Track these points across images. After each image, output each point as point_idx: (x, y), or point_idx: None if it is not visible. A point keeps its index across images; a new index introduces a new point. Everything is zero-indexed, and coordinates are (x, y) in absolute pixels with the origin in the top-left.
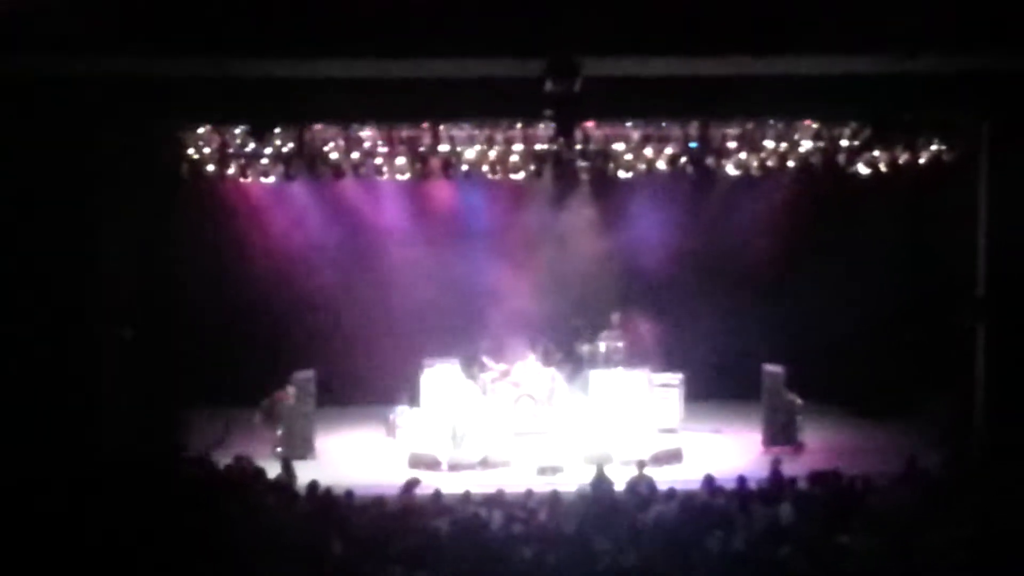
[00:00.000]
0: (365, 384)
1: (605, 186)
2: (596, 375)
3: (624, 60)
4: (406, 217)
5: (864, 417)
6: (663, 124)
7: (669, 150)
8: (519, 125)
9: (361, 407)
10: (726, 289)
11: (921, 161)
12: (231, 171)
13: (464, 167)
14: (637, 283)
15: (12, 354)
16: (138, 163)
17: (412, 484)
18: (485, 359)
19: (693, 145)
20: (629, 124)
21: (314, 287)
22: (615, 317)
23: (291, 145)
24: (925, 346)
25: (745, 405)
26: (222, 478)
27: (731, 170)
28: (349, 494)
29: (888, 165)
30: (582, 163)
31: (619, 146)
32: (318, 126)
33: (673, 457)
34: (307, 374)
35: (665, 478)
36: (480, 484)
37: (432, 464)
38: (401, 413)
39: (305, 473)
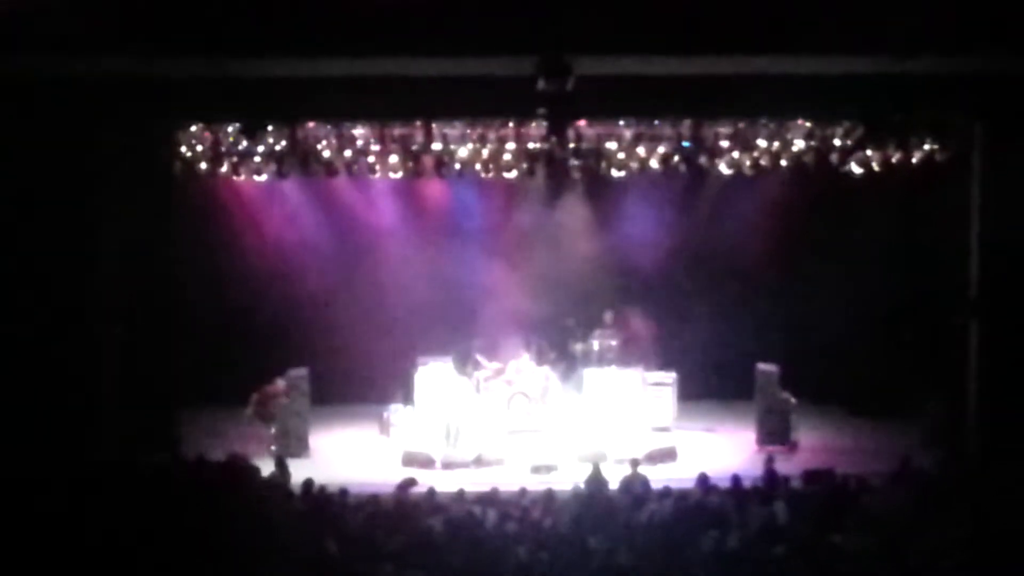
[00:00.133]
0: (359, 382)
1: (598, 185)
2: (590, 374)
3: (617, 59)
4: (399, 215)
5: (858, 416)
6: (656, 123)
7: (662, 149)
8: (512, 124)
9: (355, 405)
10: (719, 288)
11: (914, 161)
12: (224, 169)
13: (457, 165)
14: (630, 282)
15: (8, 353)
16: (134, 162)
17: (408, 483)
18: (479, 357)
19: (686, 144)
20: (622, 123)
21: (308, 285)
22: (608, 316)
23: (284, 143)
24: (919, 345)
25: (739, 404)
26: (217, 476)
27: (724, 169)
28: (343, 492)
29: (881, 165)
30: (575, 162)
31: (612, 145)
32: (311, 124)
33: (667, 456)
34: (301, 372)
35: (659, 477)
36: (474, 482)
37: (426, 462)
38: (395, 411)
39: (299, 471)
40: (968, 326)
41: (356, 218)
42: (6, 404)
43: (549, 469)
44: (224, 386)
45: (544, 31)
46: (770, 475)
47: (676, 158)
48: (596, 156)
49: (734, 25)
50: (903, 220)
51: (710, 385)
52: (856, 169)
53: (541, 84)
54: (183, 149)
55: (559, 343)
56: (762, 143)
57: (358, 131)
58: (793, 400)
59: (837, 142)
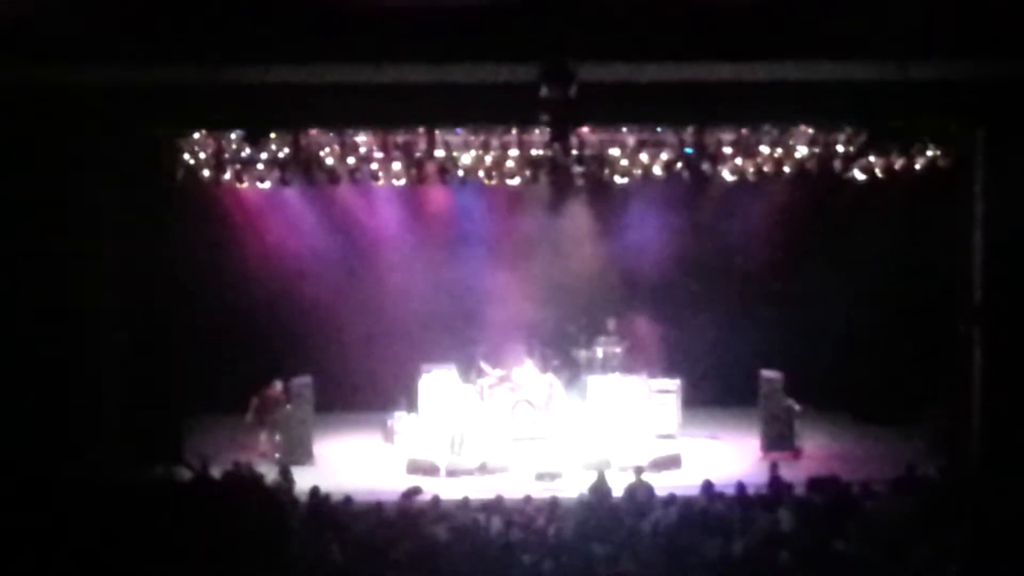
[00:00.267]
0: (363, 390)
1: (601, 192)
2: (594, 381)
3: (620, 65)
4: (402, 223)
5: (862, 423)
6: (659, 129)
7: (665, 155)
8: (515, 130)
9: (359, 413)
10: (723, 294)
11: (917, 167)
12: (227, 177)
13: (460, 172)
14: (634, 289)
15: (11, 359)
16: (137, 170)
17: (413, 491)
18: (483, 365)
19: (689, 150)
20: (625, 129)
21: (311, 293)
22: (612, 323)
23: (287, 150)
24: (923, 352)
25: (743, 411)
26: (221, 485)
27: (727, 176)
28: (347, 500)
29: (884, 171)
30: (578, 168)
31: (615, 151)
32: (314, 131)
33: (671, 463)
34: (305, 380)
35: (663, 484)
36: (478, 490)
37: (430, 470)
38: (399, 419)
39: (303, 479)
40: (972, 333)
41: (359, 225)
42: (8, 410)
43: (553, 476)
44: (228, 393)
45: (547, 38)
46: (774, 482)
47: (679, 164)
48: (599, 163)
49: (736, 32)
50: (906, 226)
51: (714, 392)
52: (859, 175)
53: (544, 91)
54: (186, 156)
55: (563, 350)
56: (765, 149)
57: (361, 138)
58: (797, 407)
59: (840, 148)
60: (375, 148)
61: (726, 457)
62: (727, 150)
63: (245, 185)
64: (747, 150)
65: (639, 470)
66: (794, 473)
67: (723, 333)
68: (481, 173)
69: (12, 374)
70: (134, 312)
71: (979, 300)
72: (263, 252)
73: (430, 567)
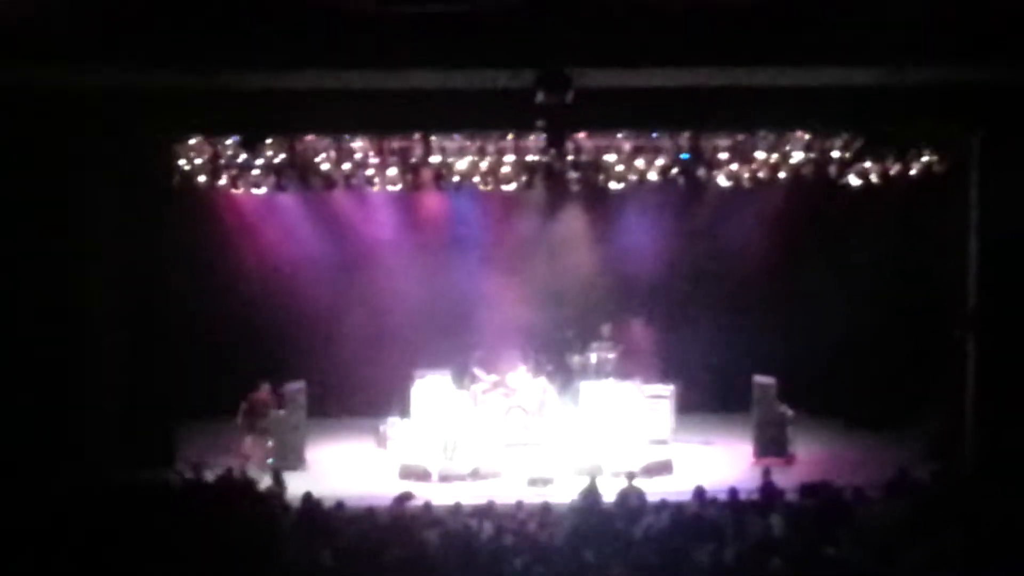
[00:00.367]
0: (356, 395)
1: (596, 197)
2: (587, 386)
3: (615, 71)
4: (397, 228)
5: (855, 428)
6: (654, 135)
7: (660, 161)
8: (511, 136)
9: (352, 418)
10: (717, 300)
11: (912, 173)
12: (222, 182)
13: (456, 178)
14: (628, 294)
15: (6, 363)
16: (132, 175)
17: (405, 496)
18: (476, 370)
19: (684, 156)
20: (620, 135)
21: (305, 298)
22: (606, 328)
23: (282, 156)
24: (916, 357)
25: (736, 417)
26: (213, 490)
27: (722, 181)
28: (340, 505)
29: (879, 177)
30: (573, 174)
31: (610, 157)
32: (309, 137)
33: (664, 469)
34: (298, 385)
35: (656, 490)
36: (471, 495)
37: (423, 475)
38: (392, 424)
39: (296, 484)
40: (966, 338)
41: (354, 231)
42: (3, 414)
43: (546, 482)
44: (222, 398)
45: (543, 43)
46: (767, 487)
47: (675, 170)
48: (595, 168)
49: (732, 37)
50: (901, 232)
51: (707, 398)
52: (854, 181)
53: (540, 96)
54: (182, 162)
55: (556, 355)
56: (760, 155)
57: (357, 143)
58: (790, 412)
59: (835, 154)
60: (371, 153)
61: (719, 463)
62: (723, 156)
63: (241, 190)
64: (743, 155)
65: (631, 476)
66: (787, 479)
67: (716, 339)
68: (477, 179)
69: (7, 375)
70: (129, 315)
71: (973, 305)
72: (258, 257)
73: (422, 572)
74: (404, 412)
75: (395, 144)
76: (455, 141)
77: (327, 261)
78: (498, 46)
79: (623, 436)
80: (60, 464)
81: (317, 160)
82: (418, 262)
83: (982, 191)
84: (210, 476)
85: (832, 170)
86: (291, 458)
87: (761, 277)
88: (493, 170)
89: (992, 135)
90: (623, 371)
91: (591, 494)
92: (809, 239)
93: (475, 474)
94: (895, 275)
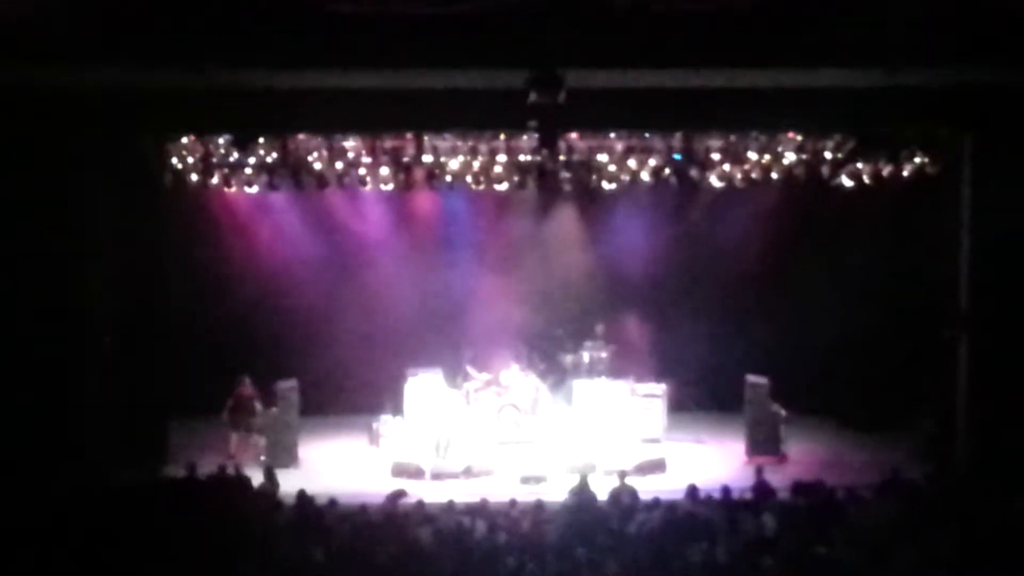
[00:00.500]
0: (349, 393)
1: (589, 197)
2: (579, 385)
3: (608, 72)
4: (390, 227)
5: (848, 428)
6: (647, 135)
7: (653, 162)
8: (503, 136)
9: (345, 416)
10: (709, 300)
11: (904, 174)
12: (215, 181)
13: (448, 178)
14: (621, 293)
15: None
16: (125, 174)
17: (398, 494)
18: (469, 369)
19: (677, 157)
20: (613, 135)
21: (298, 296)
22: (600, 328)
23: (275, 155)
24: (909, 358)
25: (728, 416)
26: (205, 488)
27: (715, 182)
28: (332, 503)
29: (872, 178)
30: (566, 174)
31: (603, 157)
32: (302, 136)
33: (656, 467)
34: (291, 383)
35: (648, 488)
36: (463, 493)
37: (415, 473)
38: (385, 422)
39: (288, 482)
40: (957, 339)
41: (347, 230)
42: (3, 414)
43: (538, 480)
44: (214, 396)
45: (536, 44)
46: (759, 486)
47: (667, 171)
48: (587, 168)
49: (725, 38)
50: (893, 233)
51: (700, 397)
52: (847, 182)
53: (532, 96)
54: (174, 161)
55: (549, 354)
56: (753, 156)
57: (349, 143)
58: (783, 412)
59: (828, 155)
60: (363, 153)
61: (711, 461)
62: (715, 156)
63: (233, 189)
64: (735, 156)
65: (623, 474)
66: (779, 478)
67: (709, 338)
68: (469, 178)
69: (6, 374)
70: (126, 314)
71: (965, 306)
72: (251, 256)
73: (414, 570)
74: (397, 410)
75: (387, 143)
76: (447, 141)
77: (320, 259)
78: (490, 46)
79: (616, 435)
80: (59, 464)
81: (309, 159)
82: (411, 261)
83: (974, 192)
84: (203, 474)
85: (824, 171)
86: (284, 456)
87: (754, 277)
88: (485, 170)
89: (984, 137)
90: (616, 370)
91: (581, 492)
92: (802, 240)
93: (468, 472)
94: (888, 276)
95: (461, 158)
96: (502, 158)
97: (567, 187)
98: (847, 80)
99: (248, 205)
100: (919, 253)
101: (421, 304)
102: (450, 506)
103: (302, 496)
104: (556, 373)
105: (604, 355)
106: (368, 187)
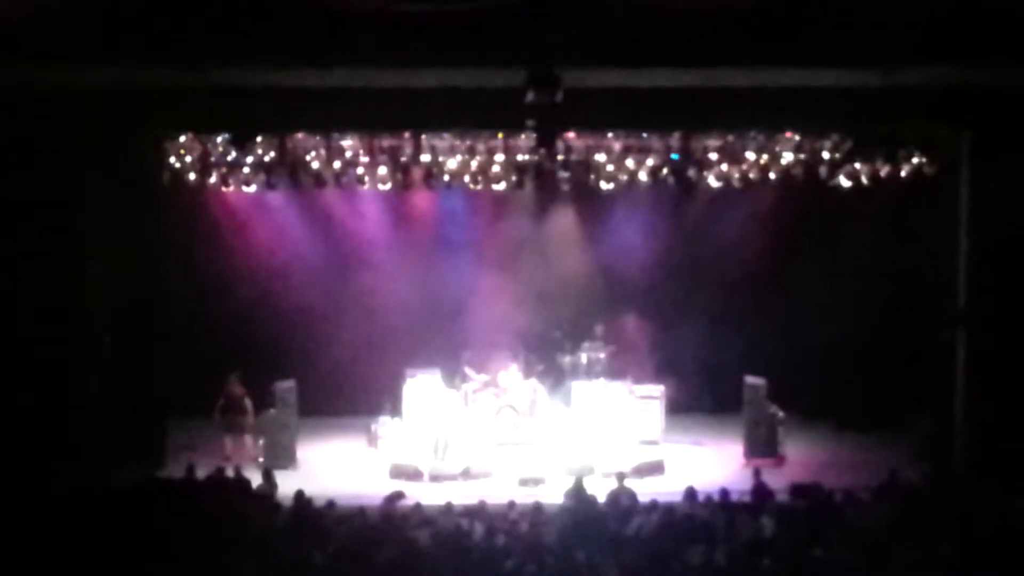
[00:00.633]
0: (347, 394)
1: (586, 197)
2: (578, 386)
3: (606, 71)
4: (387, 227)
5: (846, 430)
6: (644, 135)
7: (650, 161)
8: (501, 135)
9: (343, 417)
10: (707, 301)
11: (902, 174)
12: (212, 180)
13: (446, 177)
14: (619, 295)
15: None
16: (122, 172)
17: (396, 496)
18: (467, 370)
19: (675, 156)
20: (611, 135)
21: (296, 296)
22: (598, 329)
23: (273, 154)
24: (907, 358)
25: (727, 417)
26: (204, 488)
27: (713, 182)
28: (330, 504)
29: (869, 178)
30: (564, 174)
31: (601, 157)
32: (299, 135)
33: (654, 469)
34: (289, 384)
35: (646, 490)
36: (462, 495)
37: (414, 475)
38: (383, 424)
39: (287, 483)
40: (955, 339)
41: (345, 229)
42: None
43: (537, 482)
44: (212, 397)
45: (534, 43)
46: (758, 488)
47: (665, 170)
48: (585, 168)
49: (723, 38)
50: (891, 233)
51: (698, 398)
52: (845, 182)
53: (530, 96)
54: (172, 159)
55: (547, 356)
56: (751, 156)
57: (347, 142)
58: (781, 413)
59: (826, 155)
60: (361, 152)
61: (710, 464)
62: (713, 156)
63: (231, 188)
64: (733, 156)
65: (622, 476)
66: (777, 480)
67: (708, 339)
68: (467, 178)
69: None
70: (125, 314)
71: (963, 306)
72: (249, 255)
73: (413, 572)
74: (395, 411)
75: (385, 143)
76: (445, 140)
77: (318, 259)
78: (488, 45)
79: (614, 436)
80: (58, 464)
81: (307, 158)
82: (409, 261)
83: (972, 192)
84: (201, 476)
85: (822, 171)
86: (282, 457)
87: (751, 278)
88: (483, 169)
89: (981, 137)
90: (614, 371)
91: (577, 494)
92: (800, 240)
93: (466, 474)
94: (885, 276)
95: (459, 157)
96: (500, 157)
97: (565, 187)
98: (845, 80)
99: (246, 205)
100: (917, 253)
101: (419, 305)
102: (448, 508)
103: (300, 497)
104: (554, 374)
105: (602, 356)
106: (366, 186)
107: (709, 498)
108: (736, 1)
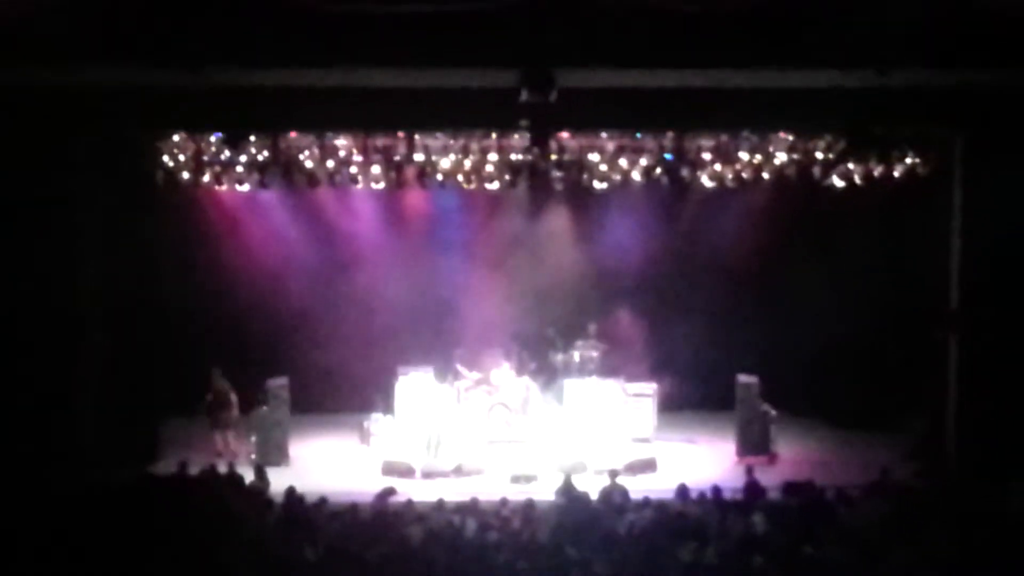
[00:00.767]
0: (339, 391)
1: (580, 197)
2: (570, 384)
3: (599, 71)
4: (381, 226)
5: (838, 428)
6: (638, 135)
7: (644, 161)
8: (494, 135)
9: (335, 414)
10: (700, 300)
11: (896, 175)
12: (206, 179)
13: (439, 176)
14: (611, 293)
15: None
16: (116, 172)
17: (388, 492)
18: (459, 367)
19: (668, 156)
20: (604, 135)
21: (289, 294)
22: (591, 327)
23: (266, 153)
24: (900, 358)
25: (719, 415)
26: (196, 485)
27: (706, 182)
28: (323, 501)
29: (863, 178)
30: (557, 173)
31: (594, 157)
32: (293, 134)
33: (647, 466)
34: (281, 381)
35: (639, 487)
36: (454, 492)
37: (406, 472)
38: (375, 421)
39: (279, 480)
40: (947, 339)
41: (338, 228)
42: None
43: (529, 479)
44: (204, 394)
45: (528, 43)
46: (750, 486)
47: (658, 170)
48: (578, 168)
49: (716, 39)
50: (884, 234)
51: (690, 396)
52: (838, 183)
53: (524, 96)
54: (165, 159)
55: (540, 353)
56: (744, 156)
57: (340, 142)
58: (773, 412)
59: (819, 155)
60: (354, 152)
61: (702, 461)
62: (706, 156)
63: (224, 187)
64: (726, 156)
65: (614, 473)
66: (769, 478)
67: (700, 338)
68: (460, 177)
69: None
70: (120, 313)
71: (956, 307)
72: (242, 254)
73: (405, 569)
74: (388, 408)
75: (379, 142)
76: (439, 139)
77: (311, 258)
78: (482, 45)
79: (606, 434)
80: (53, 463)
81: (301, 158)
82: (402, 259)
83: (965, 194)
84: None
85: (816, 171)
86: (274, 454)
87: (744, 277)
88: (477, 169)
89: (975, 138)
90: (606, 369)
91: (566, 491)
92: (793, 240)
93: (458, 471)
94: (878, 276)
95: (452, 157)
96: (493, 157)
97: (558, 186)
98: (839, 80)
99: (239, 204)
100: (910, 254)
101: (412, 303)
102: (440, 504)
103: (291, 494)
104: (547, 372)
105: (595, 354)
106: (359, 185)
107: (701, 495)
108: (730, 2)
